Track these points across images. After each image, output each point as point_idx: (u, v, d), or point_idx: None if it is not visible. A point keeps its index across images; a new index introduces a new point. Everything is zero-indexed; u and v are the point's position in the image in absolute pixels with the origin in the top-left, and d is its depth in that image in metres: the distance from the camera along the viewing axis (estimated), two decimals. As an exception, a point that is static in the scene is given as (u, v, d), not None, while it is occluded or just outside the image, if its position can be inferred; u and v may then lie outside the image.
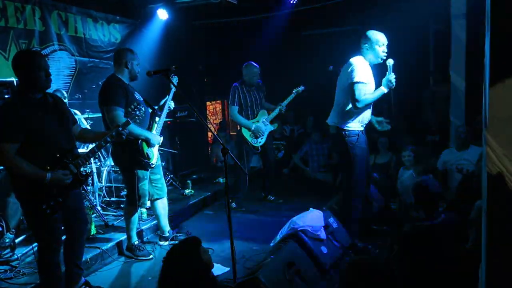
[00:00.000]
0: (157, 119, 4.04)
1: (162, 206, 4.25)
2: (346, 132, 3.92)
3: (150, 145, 3.87)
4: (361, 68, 3.80)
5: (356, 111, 3.87)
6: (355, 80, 3.75)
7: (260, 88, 5.57)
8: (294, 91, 5.54)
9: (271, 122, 5.62)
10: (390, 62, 3.82)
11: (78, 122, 3.30)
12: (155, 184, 4.12)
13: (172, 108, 4.23)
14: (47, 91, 2.94)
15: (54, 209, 2.81)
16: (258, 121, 5.46)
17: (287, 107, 5.63)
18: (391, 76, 3.78)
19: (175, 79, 4.01)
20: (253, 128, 5.40)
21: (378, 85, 3.90)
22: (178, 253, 2.25)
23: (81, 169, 2.95)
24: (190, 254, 2.22)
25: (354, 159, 3.89)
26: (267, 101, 5.69)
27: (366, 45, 3.87)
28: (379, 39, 3.84)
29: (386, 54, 3.87)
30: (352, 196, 3.95)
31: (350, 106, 3.87)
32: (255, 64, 5.45)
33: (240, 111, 5.44)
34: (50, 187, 2.75)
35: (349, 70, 3.82)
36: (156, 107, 4.08)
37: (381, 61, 3.88)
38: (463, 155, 4.76)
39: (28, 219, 3.08)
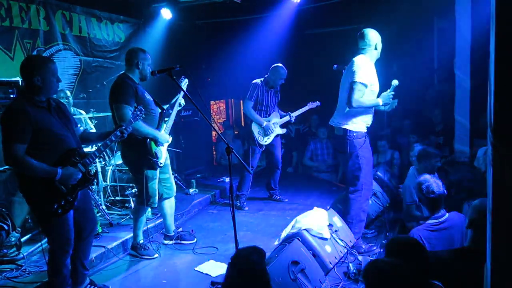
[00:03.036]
0: (166, 118, 4.04)
1: (170, 205, 4.26)
2: (354, 134, 3.85)
3: (158, 144, 3.88)
4: (364, 68, 3.75)
5: (359, 111, 3.82)
6: (356, 79, 3.72)
7: (277, 93, 5.60)
8: (308, 104, 5.68)
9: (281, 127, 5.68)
10: (395, 82, 3.85)
11: (81, 123, 3.31)
12: (164, 183, 4.12)
13: (182, 106, 4.23)
14: None
15: (65, 209, 2.84)
16: (269, 121, 5.49)
17: (296, 118, 5.75)
18: (389, 94, 3.83)
19: (185, 81, 4.11)
20: (264, 125, 5.43)
21: (380, 85, 3.86)
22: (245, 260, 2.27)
23: (89, 167, 2.98)
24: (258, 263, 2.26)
25: (363, 161, 3.84)
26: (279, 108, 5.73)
27: (366, 44, 3.87)
28: (378, 37, 3.87)
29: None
30: (360, 199, 3.90)
31: None
32: (284, 67, 5.46)
33: (254, 107, 5.45)
34: (61, 184, 2.78)
35: (352, 69, 3.78)
36: (165, 107, 4.07)
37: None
38: None
39: (40, 221, 3.06)
